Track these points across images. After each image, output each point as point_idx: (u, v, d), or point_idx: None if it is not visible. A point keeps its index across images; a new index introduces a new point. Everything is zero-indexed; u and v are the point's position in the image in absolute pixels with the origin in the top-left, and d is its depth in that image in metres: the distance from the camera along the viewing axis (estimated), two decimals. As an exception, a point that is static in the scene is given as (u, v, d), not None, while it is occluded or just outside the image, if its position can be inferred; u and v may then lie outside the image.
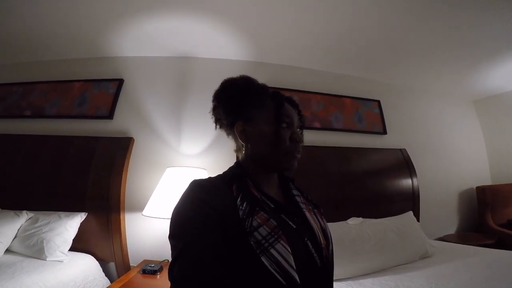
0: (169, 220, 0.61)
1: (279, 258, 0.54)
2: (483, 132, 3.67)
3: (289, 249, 0.55)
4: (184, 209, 0.61)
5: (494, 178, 3.48)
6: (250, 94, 0.75)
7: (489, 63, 2.76)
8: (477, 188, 3.15)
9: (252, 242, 0.55)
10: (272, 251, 0.54)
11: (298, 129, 0.78)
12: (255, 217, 0.58)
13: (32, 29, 2.20)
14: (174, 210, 0.62)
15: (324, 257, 0.65)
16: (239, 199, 0.62)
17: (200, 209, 0.59)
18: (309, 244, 0.63)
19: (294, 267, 0.55)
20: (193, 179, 0.67)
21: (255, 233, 0.55)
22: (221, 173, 0.74)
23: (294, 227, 0.64)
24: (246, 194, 0.63)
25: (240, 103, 0.75)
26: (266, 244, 0.55)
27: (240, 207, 0.60)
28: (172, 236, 0.58)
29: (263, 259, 0.53)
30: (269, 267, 0.53)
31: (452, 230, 3.08)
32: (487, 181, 3.42)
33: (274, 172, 0.78)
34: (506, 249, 2.07)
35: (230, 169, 0.76)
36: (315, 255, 0.63)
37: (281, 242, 0.56)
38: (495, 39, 2.31)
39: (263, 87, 0.79)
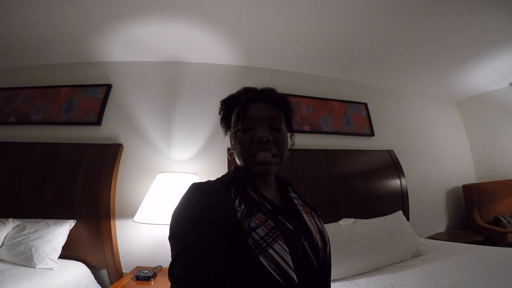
0: (169, 222, 0.62)
1: (277, 258, 0.55)
2: (466, 131, 3.80)
3: (287, 249, 0.56)
4: (185, 210, 0.61)
5: (479, 176, 3.59)
6: (232, 105, 0.78)
7: (470, 65, 2.87)
8: (463, 186, 3.24)
9: (250, 242, 0.56)
10: (270, 251, 0.55)
11: (282, 127, 0.74)
12: (253, 218, 0.59)
13: (17, 33, 2.14)
14: (174, 212, 0.62)
15: (321, 258, 0.65)
16: (237, 201, 0.63)
17: (201, 211, 0.60)
18: (306, 244, 0.64)
19: (292, 266, 0.55)
20: (193, 182, 0.68)
21: (253, 234, 0.56)
22: (213, 177, 0.75)
23: (291, 228, 0.65)
24: (244, 196, 0.65)
25: (227, 116, 0.80)
26: (264, 244, 0.55)
27: (238, 209, 0.61)
28: (172, 237, 0.59)
29: (261, 258, 0.54)
30: (267, 266, 0.54)
31: (441, 228, 3.15)
32: (472, 179, 3.53)
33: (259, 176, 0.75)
34: (495, 246, 2.13)
35: (228, 172, 0.77)
36: (311, 255, 0.63)
37: (279, 242, 0.57)
38: (476, 41, 2.41)
39: (243, 93, 0.79)
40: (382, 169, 2.79)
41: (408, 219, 2.51)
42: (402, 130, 3.24)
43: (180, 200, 0.64)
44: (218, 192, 0.66)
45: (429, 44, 2.44)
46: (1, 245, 1.74)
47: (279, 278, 0.53)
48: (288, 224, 0.65)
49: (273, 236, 0.57)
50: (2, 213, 1.91)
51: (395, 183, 2.77)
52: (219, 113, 0.82)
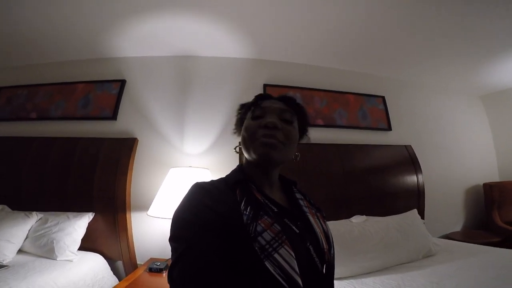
0: (170, 222, 0.62)
1: (283, 262, 0.54)
2: (491, 127, 3.59)
3: (292, 254, 0.55)
4: (186, 212, 0.60)
5: (502, 174, 3.41)
6: (245, 108, 0.81)
7: (496, 58, 2.69)
8: (484, 184, 3.09)
9: (256, 248, 0.54)
10: (276, 255, 0.54)
11: (294, 122, 0.76)
12: (259, 222, 0.58)
13: (34, 31, 2.20)
14: (175, 213, 0.62)
15: (326, 261, 0.65)
16: (243, 203, 0.61)
17: (203, 213, 0.58)
18: (311, 248, 0.63)
19: (298, 271, 0.54)
20: (195, 182, 0.67)
21: (259, 238, 0.55)
22: (223, 173, 0.76)
23: (297, 232, 0.64)
24: (249, 198, 0.63)
25: (240, 118, 0.83)
26: (270, 249, 0.54)
27: (244, 212, 0.59)
28: (173, 239, 0.58)
29: (267, 264, 0.53)
30: (273, 272, 0.53)
31: (458, 227, 3.04)
32: (494, 178, 3.36)
33: (262, 167, 0.73)
34: (512, 248, 2.04)
35: (233, 172, 0.76)
36: (316, 259, 0.63)
37: (285, 247, 0.55)
38: (502, 34, 2.25)
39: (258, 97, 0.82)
40: (398, 165, 2.70)
41: (423, 217, 2.45)
42: (421, 125, 3.11)
43: (182, 201, 0.63)
44: (222, 194, 0.65)
45: (451, 35, 2.30)
46: (26, 238, 1.83)
47: (284, 283, 0.52)
48: (294, 228, 0.64)
49: (280, 241, 0.56)
50: (26, 207, 2.02)
51: (412, 179, 2.69)
52: (236, 116, 0.85)
